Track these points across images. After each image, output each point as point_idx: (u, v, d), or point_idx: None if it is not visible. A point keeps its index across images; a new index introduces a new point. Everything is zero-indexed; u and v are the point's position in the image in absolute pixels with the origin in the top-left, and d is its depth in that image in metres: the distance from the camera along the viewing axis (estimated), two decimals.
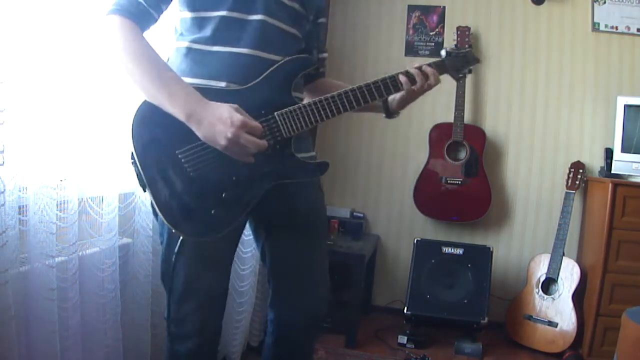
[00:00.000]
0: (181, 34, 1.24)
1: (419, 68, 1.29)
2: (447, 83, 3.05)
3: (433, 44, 3.14)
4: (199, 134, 1.09)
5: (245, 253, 2.20)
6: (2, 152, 1.15)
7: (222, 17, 1.19)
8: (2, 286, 1.14)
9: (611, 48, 2.93)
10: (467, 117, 3.01)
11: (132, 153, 1.12)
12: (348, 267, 2.65)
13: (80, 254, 1.43)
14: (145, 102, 1.12)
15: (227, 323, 2.19)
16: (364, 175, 3.26)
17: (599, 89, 2.96)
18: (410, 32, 3.17)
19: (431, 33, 3.14)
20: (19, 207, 1.23)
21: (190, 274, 1.23)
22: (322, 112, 1.21)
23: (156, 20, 1.18)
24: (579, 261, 2.78)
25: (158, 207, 1.12)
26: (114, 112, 1.56)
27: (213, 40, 1.19)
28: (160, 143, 1.12)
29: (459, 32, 2.93)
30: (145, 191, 1.13)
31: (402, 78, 1.27)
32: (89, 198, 1.49)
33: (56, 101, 1.33)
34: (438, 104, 3.12)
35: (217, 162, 1.13)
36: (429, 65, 1.31)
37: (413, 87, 1.28)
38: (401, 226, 3.23)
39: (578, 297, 2.67)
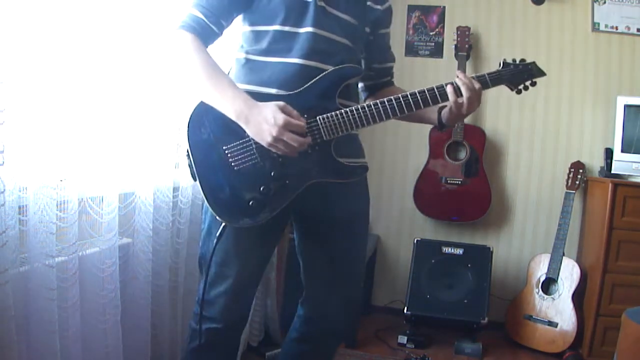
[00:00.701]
0: (241, 46, 1.37)
1: (462, 81, 1.28)
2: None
3: (433, 44, 3.14)
4: (247, 131, 1.22)
5: None
6: (2, 152, 1.15)
7: (276, 30, 1.30)
8: (2, 286, 1.14)
9: (611, 48, 2.93)
10: (467, 117, 3.01)
11: (187, 148, 1.27)
12: None
13: (80, 254, 1.43)
14: (201, 103, 1.26)
15: None
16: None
17: (599, 89, 2.96)
18: (410, 32, 3.17)
19: (431, 33, 3.14)
20: (19, 207, 1.23)
21: (224, 260, 1.33)
22: (363, 119, 1.27)
23: (219, 35, 1.31)
24: (579, 261, 2.78)
25: (205, 194, 1.25)
26: (114, 112, 1.56)
27: (267, 51, 1.31)
28: (210, 139, 1.26)
29: (459, 32, 2.93)
30: (195, 181, 1.27)
31: (449, 89, 1.28)
32: (89, 198, 1.49)
33: (56, 101, 1.33)
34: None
35: (258, 158, 1.25)
36: (482, 78, 1.31)
37: (459, 99, 1.28)
38: (401, 226, 3.23)
39: (578, 297, 2.67)
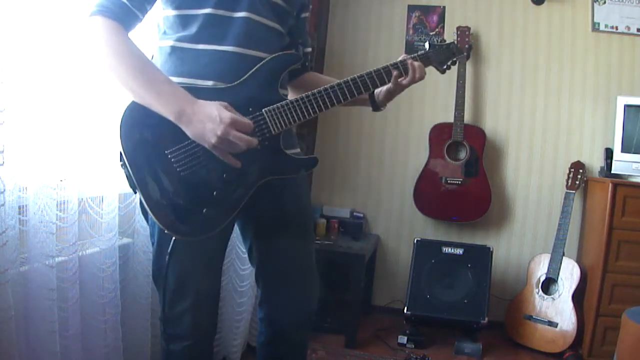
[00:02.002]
0: (164, 33, 1.24)
1: (406, 61, 1.28)
2: (447, 83, 3.06)
3: None
4: (188, 132, 1.10)
5: (245, 253, 2.20)
6: (2, 152, 1.15)
7: (207, 14, 1.18)
8: (2, 286, 1.14)
9: (611, 48, 2.93)
10: (467, 117, 3.01)
11: (121, 154, 1.11)
12: (348, 267, 2.65)
13: (80, 254, 1.44)
14: (132, 103, 1.12)
15: (227, 323, 2.19)
16: (364, 175, 3.26)
17: (599, 89, 2.96)
18: (410, 32, 3.17)
19: (431, 33, 3.14)
20: (19, 207, 1.23)
21: (182, 274, 1.23)
22: (309, 107, 1.21)
23: (141, 20, 1.17)
24: (579, 261, 2.78)
25: (149, 208, 1.11)
26: (114, 113, 1.56)
27: (198, 38, 1.19)
28: (149, 144, 1.12)
29: (459, 32, 2.93)
30: (135, 193, 1.13)
31: (394, 71, 1.27)
32: (89, 198, 1.50)
33: (56, 101, 1.33)
34: (438, 104, 3.12)
35: (207, 160, 1.13)
36: (414, 58, 1.30)
37: (401, 79, 1.28)
38: (401, 226, 3.23)
39: (578, 297, 2.67)
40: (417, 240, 2.86)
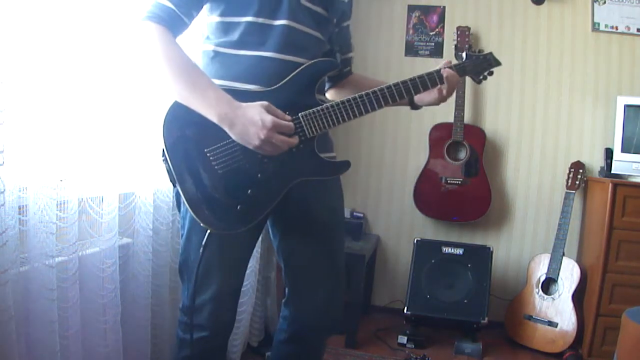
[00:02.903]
0: (208, 38, 1.29)
1: (440, 71, 1.33)
2: None
3: (433, 44, 3.14)
4: (232, 134, 1.15)
5: None
6: (2, 152, 1.15)
7: (249, 22, 1.23)
8: (2, 286, 1.14)
9: (611, 48, 2.93)
10: (467, 117, 3.01)
11: (162, 150, 1.17)
12: (348, 267, 2.64)
13: (80, 254, 1.43)
14: (176, 103, 1.17)
15: None
16: (364, 175, 3.26)
17: (599, 89, 2.96)
18: (410, 32, 3.17)
19: (431, 33, 3.14)
20: (19, 207, 1.23)
21: (210, 266, 1.28)
22: (344, 113, 1.25)
23: (188, 26, 1.23)
24: (579, 261, 2.78)
25: (187, 201, 1.17)
26: (114, 112, 1.56)
27: (239, 44, 1.25)
28: (189, 141, 1.18)
29: (459, 32, 2.93)
30: (175, 186, 1.19)
31: (429, 81, 1.33)
32: (89, 198, 1.49)
33: (56, 101, 1.33)
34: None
35: (244, 160, 1.19)
36: (451, 67, 1.35)
37: (441, 88, 1.34)
38: (401, 226, 3.23)
39: (578, 297, 2.67)
40: (417, 240, 2.86)
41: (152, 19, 1.16)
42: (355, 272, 2.65)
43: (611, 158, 2.73)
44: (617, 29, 2.91)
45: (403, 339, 2.70)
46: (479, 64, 1.41)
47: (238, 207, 1.20)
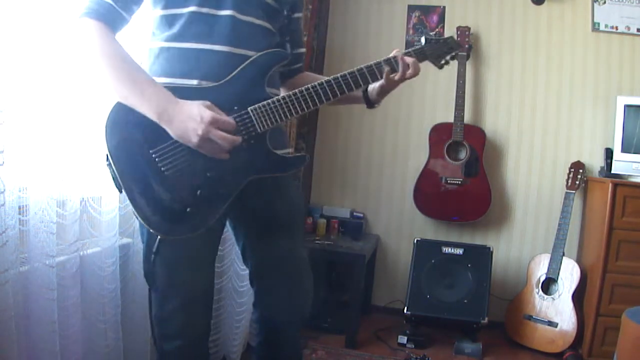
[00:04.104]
0: (153, 34, 1.25)
1: (399, 57, 1.26)
2: (447, 83, 3.06)
3: None
4: (171, 132, 1.10)
5: None
6: (2, 152, 1.15)
7: (192, 12, 1.18)
8: (2, 286, 1.14)
9: (611, 48, 2.93)
10: (467, 117, 3.01)
11: (106, 155, 1.13)
12: (348, 267, 2.65)
13: (80, 253, 1.44)
14: (118, 104, 1.13)
15: (227, 323, 2.19)
16: (364, 175, 3.26)
17: (599, 89, 2.96)
18: (410, 32, 3.17)
19: (431, 33, 3.14)
20: (19, 207, 1.23)
21: (170, 273, 1.23)
22: (297, 105, 1.19)
23: (128, 21, 1.18)
24: (579, 261, 2.78)
25: (134, 207, 1.12)
26: None
27: (183, 37, 1.19)
28: (133, 143, 1.13)
29: (459, 32, 2.93)
30: (120, 192, 1.13)
31: (386, 67, 1.25)
32: (90, 198, 1.49)
33: (56, 101, 1.33)
34: (438, 104, 3.13)
35: (191, 160, 1.13)
36: (409, 53, 1.29)
37: (393, 75, 1.26)
38: (401, 226, 3.23)
39: (578, 297, 2.67)
40: (417, 240, 2.86)
41: (89, 14, 1.12)
42: (355, 272, 2.65)
43: (611, 158, 2.73)
44: (617, 29, 2.91)
45: (403, 339, 2.70)
46: (438, 48, 1.33)
47: (187, 210, 1.14)
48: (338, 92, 1.22)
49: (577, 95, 2.99)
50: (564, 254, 2.72)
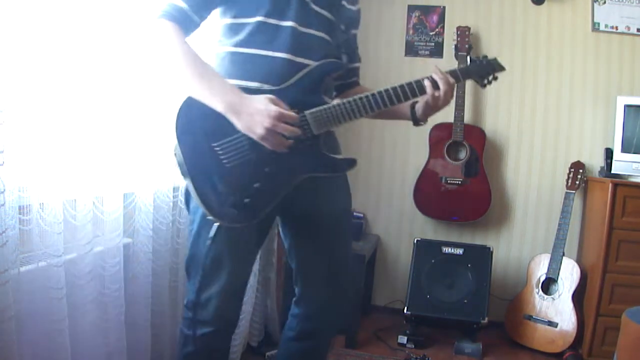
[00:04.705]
0: (220, 40, 1.34)
1: (440, 75, 1.33)
2: None
3: (433, 44, 3.14)
4: (237, 124, 1.18)
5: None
6: (2, 152, 1.15)
7: (259, 22, 1.28)
8: (2, 286, 1.14)
9: (611, 48, 2.93)
10: (467, 117, 3.01)
11: (175, 145, 1.22)
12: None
13: (83, 253, 1.43)
14: (188, 98, 1.22)
15: None
16: (364, 175, 3.26)
17: (599, 89, 2.96)
18: (410, 32, 3.17)
19: (431, 33, 3.14)
20: (20, 207, 1.23)
21: (217, 260, 1.30)
22: (350, 112, 1.28)
23: (198, 26, 1.29)
24: (579, 261, 2.78)
25: (197, 194, 1.21)
26: (115, 112, 1.56)
27: (248, 43, 1.29)
28: (199, 135, 1.22)
29: (459, 32, 2.93)
30: (185, 180, 1.23)
31: (426, 82, 1.32)
32: (93, 197, 1.49)
33: (57, 101, 1.33)
34: None
35: (251, 154, 1.22)
36: (451, 71, 1.35)
37: (436, 92, 1.32)
38: (401, 226, 3.23)
39: (578, 297, 2.67)
40: (417, 240, 2.86)
41: (166, 17, 1.23)
42: (355, 272, 2.64)
43: (611, 158, 2.73)
44: (617, 29, 2.91)
45: (403, 339, 2.70)
46: (483, 68, 1.44)
47: (246, 201, 1.22)
48: (388, 103, 1.30)
49: (577, 95, 2.99)
50: (564, 254, 2.72)
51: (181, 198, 1.80)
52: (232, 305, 1.37)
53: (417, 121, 1.43)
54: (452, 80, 1.33)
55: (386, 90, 1.29)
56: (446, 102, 1.34)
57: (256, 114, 1.16)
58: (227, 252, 1.30)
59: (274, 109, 1.17)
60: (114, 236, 1.54)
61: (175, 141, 1.21)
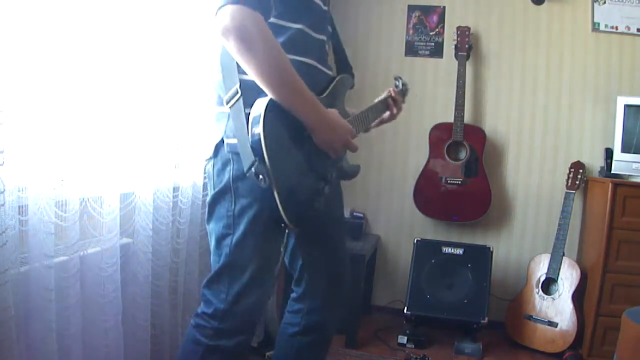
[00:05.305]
0: None
1: (392, 96, 1.61)
2: (447, 83, 3.06)
3: (433, 44, 3.14)
4: (319, 136, 1.21)
5: None
6: (2, 152, 1.14)
7: (299, 29, 1.26)
8: (2, 286, 1.14)
9: (611, 48, 2.93)
10: (467, 117, 3.01)
11: (263, 150, 1.09)
12: None
13: (81, 253, 1.43)
14: (271, 101, 1.12)
15: None
16: (364, 175, 3.24)
17: (599, 89, 2.96)
18: (410, 32, 3.17)
19: (431, 33, 3.14)
20: (19, 207, 1.23)
21: (261, 268, 1.27)
22: (369, 122, 1.50)
23: (269, 18, 1.17)
24: (579, 261, 2.78)
25: (282, 203, 1.12)
26: (114, 113, 1.56)
27: (288, 48, 1.21)
28: (286, 139, 1.17)
29: (459, 32, 2.93)
30: (270, 188, 1.11)
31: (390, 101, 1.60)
32: (90, 198, 1.49)
33: (56, 101, 1.33)
34: (438, 104, 3.12)
35: (327, 161, 1.27)
36: (397, 93, 1.64)
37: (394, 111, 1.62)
38: (401, 226, 3.23)
39: (578, 297, 2.67)
40: (417, 240, 2.86)
41: (247, 3, 1.05)
42: (355, 272, 2.64)
43: (611, 158, 2.72)
44: (617, 29, 2.91)
45: (403, 339, 2.70)
46: (405, 89, 1.72)
47: (315, 205, 1.23)
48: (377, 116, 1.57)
49: (577, 95, 2.99)
50: (564, 254, 2.72)
51: (181, 198, 1.80)
52: (264, 309, 1.38)
53: (367, 130, 1.58)
54: (400, 98, 1.65)
55: (382, 102, 1.56)
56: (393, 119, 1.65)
57: (339, 128, 1.23)
58: (265, 262, 1.27)
59: (350, 127, 1.26)
60: (111, 236, 1.54)
61: (263, 147, 1.08)
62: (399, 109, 1.63)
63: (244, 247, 1.24)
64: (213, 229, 1.28)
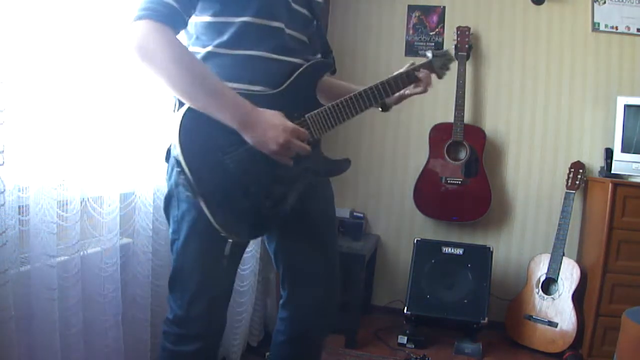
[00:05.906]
0: (197, 39, 1.22)
1: (418, 70, 1.41)
2: (447, 83, 3.07)
3: (433, 44, 3.14)
4: (250, 139, 1.13)
5: (246, 253, 2.19)
6: (2, 152, 1.15)
7: (245, 22, 1.19)
8: (2, 286, 1.14)
9: (611, 48, 2.93)
10: (467, 117, 3.01)
11: (178, 162, 1.09)
12: (348, 267, 2.65)
13: (81, 253, 1.44)
14: (189, 110, 1.10)
15: (227, 323, 2.18)
16: (364, 175, 3.26)
17: (599, 89, 2.96)
18: (410, 32, 3.17)
19: (431, 33, 3.14)
20: (20, 207, 1.23)
21: (207, 273, 1.23)
22: (346, 112, 1.29)
23: (185, 26, 1.16)
24: (579, 261, 2.78)
25: (211, 212, 1.11)
26: (114, 113, 1.56)
27: (235, 44, 1.19)
28: (208, 151, 1.12)
29: (459, 32, 2.93)
30: (195, 198, 1.11)
31: (419, 74, 1.41)
32: (90, 198, 1.50)
33: (56, 101, 1.33)
34: (438, 104, 3.12)
35: (266, 165, 1.16)
36: (423, 66, 1.43)
37: (417, 88, 1.42)
38: (401, 226, 3.23)
39: (578, 297, 2.67)
40: (417, 240, 2.86)
41: (152, 16, 1.05)
42: (355, 272, 2.64)
43: (611, 158, 2.72)
44: (617, 29, 2.91)
45: (403, 339, 2.70)
46: (440, 60, 1.49)
47: (263, 213, 1.18)
48: (379, 98, 1.33)
49: (577, 95, 2.99)
50: (564, 254, 2.72)
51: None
52: (221, 317, 1.31)
53: (387, 108, 1.48)
54: (427, 73, 1.43)
55: (376, 87, 1.33)
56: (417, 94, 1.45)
57: (270, 129, 1.12)
58: (215, 267, 1.23)
59: (289, 125, 1.14)
60: (111, 237, 1.53)
61: (181, 157, 1.08)
62: (427, 84, 1.43)
63: (187, 253, 1.22)
64: (169, 233, 1.29)
